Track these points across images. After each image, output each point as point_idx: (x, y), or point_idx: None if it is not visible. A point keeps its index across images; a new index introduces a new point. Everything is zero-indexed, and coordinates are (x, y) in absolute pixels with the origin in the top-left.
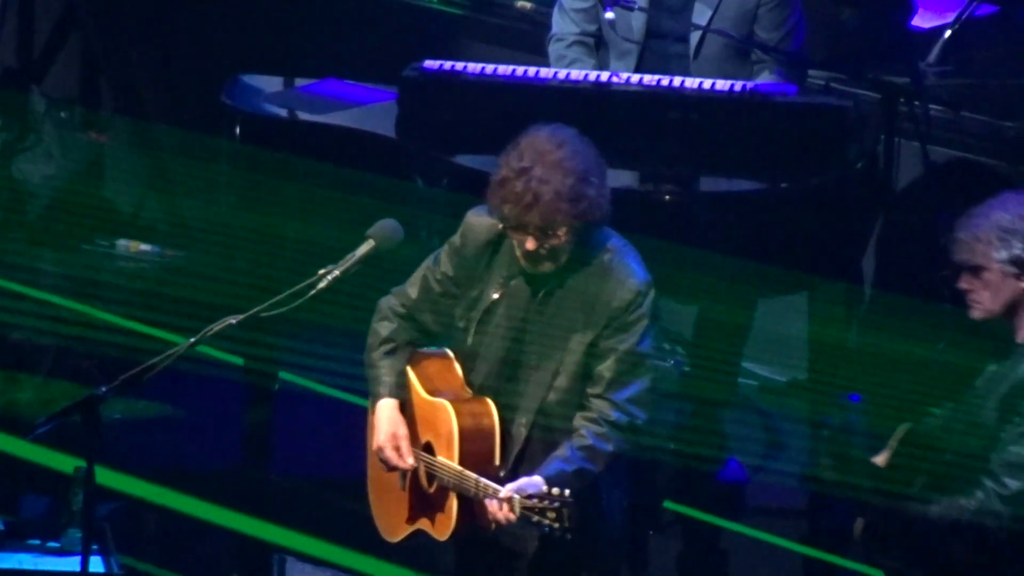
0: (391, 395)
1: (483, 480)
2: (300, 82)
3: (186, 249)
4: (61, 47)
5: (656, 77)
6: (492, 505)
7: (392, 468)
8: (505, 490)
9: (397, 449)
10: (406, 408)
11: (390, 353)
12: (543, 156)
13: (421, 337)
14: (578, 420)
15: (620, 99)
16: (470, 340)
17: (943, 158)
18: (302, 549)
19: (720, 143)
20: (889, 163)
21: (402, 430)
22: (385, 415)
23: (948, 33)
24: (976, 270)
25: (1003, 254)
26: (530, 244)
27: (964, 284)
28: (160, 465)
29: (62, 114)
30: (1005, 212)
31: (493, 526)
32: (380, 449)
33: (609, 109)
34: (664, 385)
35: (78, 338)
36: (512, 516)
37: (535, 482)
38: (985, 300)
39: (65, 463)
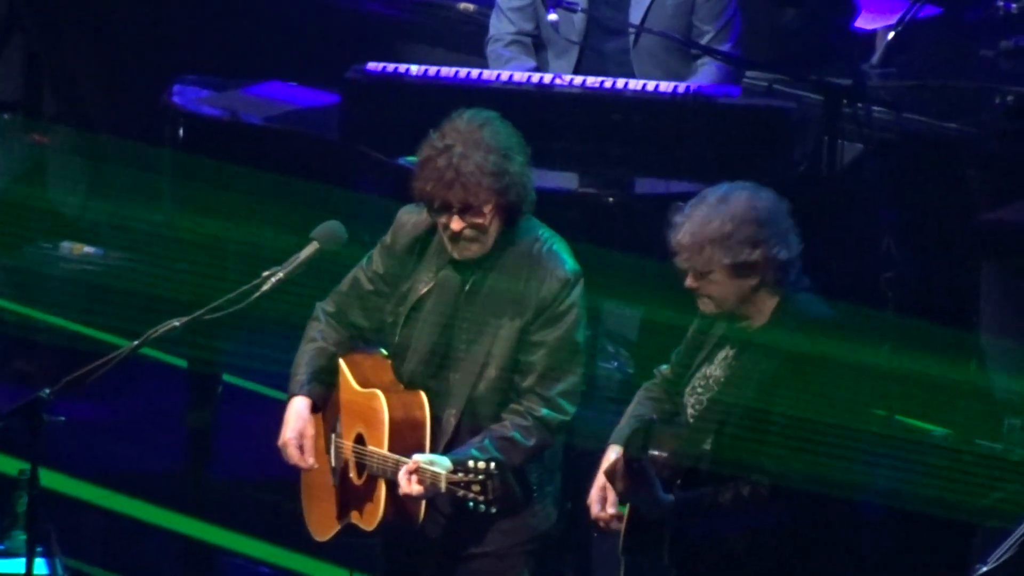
0: (303, 393)
1: (393, 456)
2: (243, 84)
3: (130, 251)
4: (3, 49)
5: (599, 79)
6: (401, 478)
7: (294, 466)
8: (412, 461)
9: (301, 448)
10: (331, 403)
11: (311, 352)
12: (464, 135)
13: (352, 336)
14: (506, 412)
15: (563, 101)
16: (399, 333)
17: (885, 160)
18: (243, 550)
19: (663, 145)
20: (831, 164)
21: (309, 430)
22: (294, 413)
23: (891, 35)
24: (703, 274)
25: (727, 260)
26: (455, 224)
27: (691, 284)
28: (104, 468)
29: (4, 116)
30: (721, 217)
31: (420, 518)
32: (285, 445)
33: (552, 111)
34: (607, 388)
35: (21, 340)
36: (419, 488)
37: (443, 462)
38: (715, 299)
39: (9, 465)
